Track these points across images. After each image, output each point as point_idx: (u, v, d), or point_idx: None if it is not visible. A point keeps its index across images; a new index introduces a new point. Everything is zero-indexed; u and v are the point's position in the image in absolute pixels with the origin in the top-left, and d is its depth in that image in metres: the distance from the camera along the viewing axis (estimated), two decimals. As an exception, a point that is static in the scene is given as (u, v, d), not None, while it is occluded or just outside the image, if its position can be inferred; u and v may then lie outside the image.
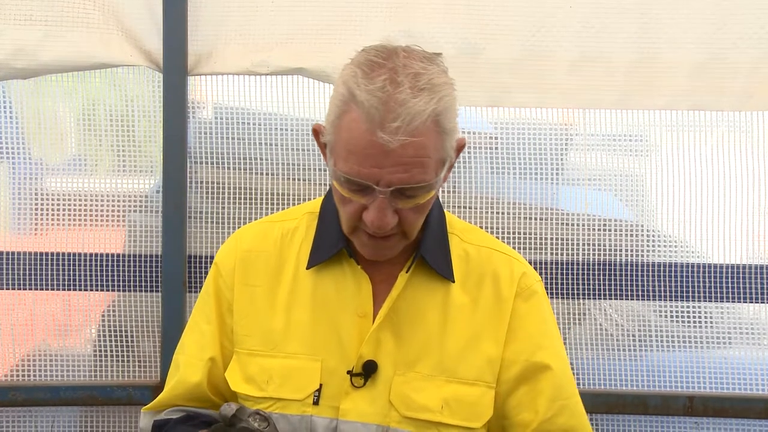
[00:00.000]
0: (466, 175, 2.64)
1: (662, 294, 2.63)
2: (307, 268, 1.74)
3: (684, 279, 2.63)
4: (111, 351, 2.68)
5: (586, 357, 2.66)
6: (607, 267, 2.63)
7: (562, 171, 2.67)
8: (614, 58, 2.55)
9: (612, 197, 2.68)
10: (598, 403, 2.60)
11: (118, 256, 2.65)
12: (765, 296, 2.62)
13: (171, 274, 2.60)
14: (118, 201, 2.67)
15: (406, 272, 1.72)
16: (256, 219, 2.01)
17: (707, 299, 2.63)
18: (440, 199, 1.97)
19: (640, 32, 2.54)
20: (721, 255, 2.63)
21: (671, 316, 2.66)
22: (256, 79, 2.61)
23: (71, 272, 2.64)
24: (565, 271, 2.63)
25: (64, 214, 2.66)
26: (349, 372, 1.68)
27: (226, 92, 2.64)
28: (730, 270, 2.62)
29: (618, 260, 2.64)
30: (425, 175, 1.56)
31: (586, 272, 2.63)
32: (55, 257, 2.64)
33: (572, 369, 1.81)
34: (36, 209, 2.66)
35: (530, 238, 2.64)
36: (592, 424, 1.80)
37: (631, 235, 2.65)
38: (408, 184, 1.55)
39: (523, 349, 1.73)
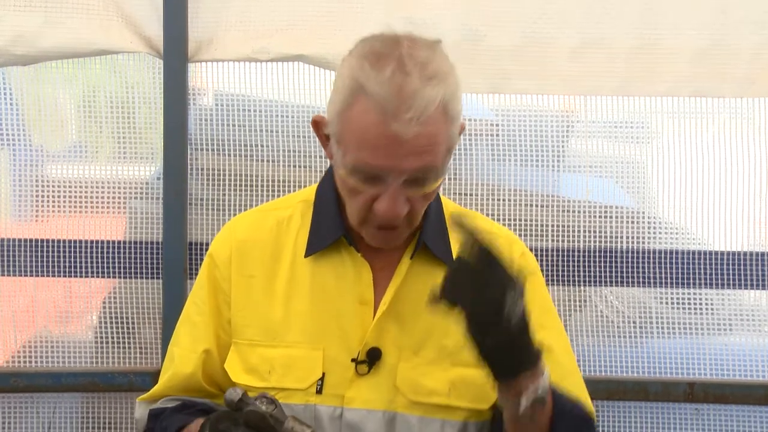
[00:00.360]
0: (467, 162, 2.64)
1: (663, 281, 2.63)
2: (306, 257, 1.73)
3: (685, 266, 2.63)
4: (112, 337, 2.69)
5: (587, 344, 2.66)
6: (608, 254, 2.63)
7: (563, 158, 2.67)
8: (615, 44, 2.54)
9: (613, 184, 2.68)
10: (598, 389, 2.60)
11: (119, 243, 2.65)
12: (766, 283, 2.62)
13: (172, 260, 2.60)
14: (119, 188, 2.66)
15: (410, 258, 1.72)
16: (257, 206, 1.99)
17: (708, 286, 2.63)
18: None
19: (642, 18, 2.53)
20: (722, 242, 2.63)
21: (672, 303, 2.66)
22: (257, 66, 2.61)
23: (72, 259, 2.64)
24: (566, 258, 2.63)
25: (64, 201, 2.65)
26: (354, 360, 1.68)
27: (227, 79, 2.63)
28: (731, 257, 2.62)
29: (619, 247, 2.63)
30: (436, 162, 1.56)
31: (587, 259, 2.63)
32: (56, 244, 2.64)
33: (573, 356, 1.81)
34: (37, 196, 2.66)
35: (531, 225, 2.63)
36: (592, 411, 1.80)
37: (632, 222, 2.64)
38: (420, 172, 1.56)
39: None
